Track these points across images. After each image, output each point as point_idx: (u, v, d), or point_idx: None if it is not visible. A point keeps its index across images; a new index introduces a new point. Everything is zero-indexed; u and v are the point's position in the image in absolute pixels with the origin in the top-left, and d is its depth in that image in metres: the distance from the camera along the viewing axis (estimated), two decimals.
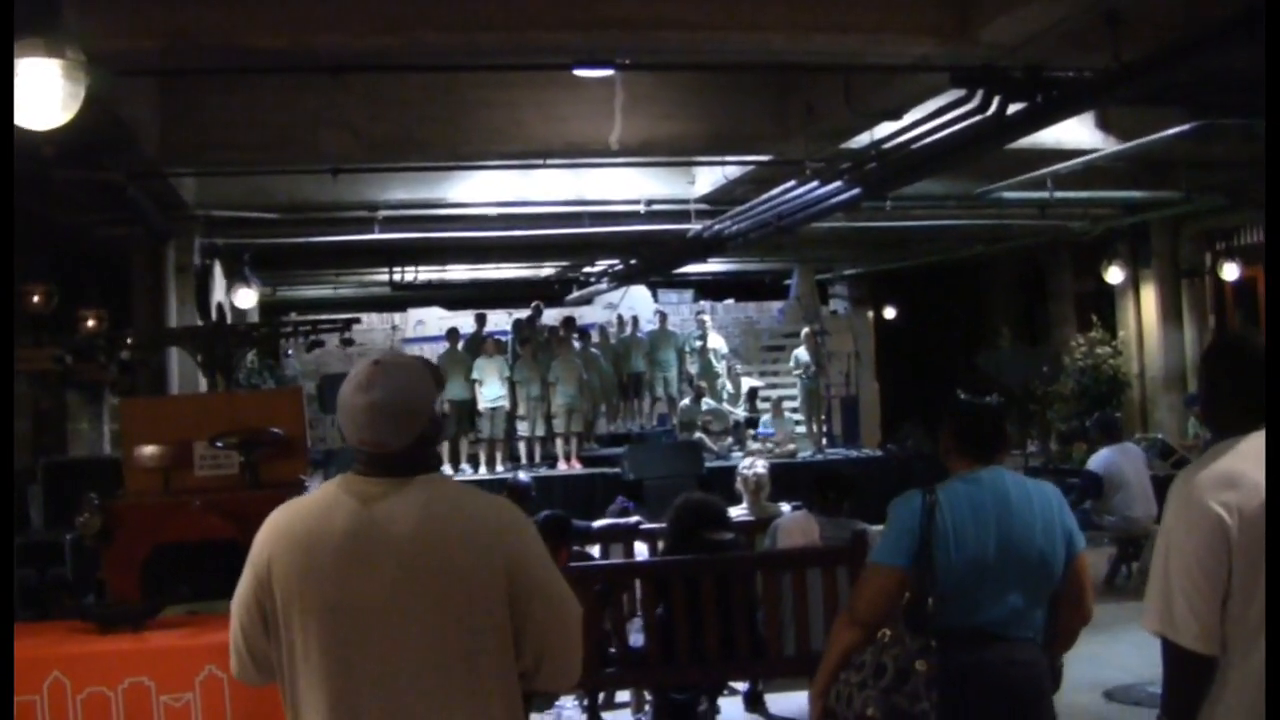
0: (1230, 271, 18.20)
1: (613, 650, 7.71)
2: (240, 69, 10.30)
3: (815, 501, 8.58)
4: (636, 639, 7.77)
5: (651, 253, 19.31)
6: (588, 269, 22.60)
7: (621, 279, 21.62)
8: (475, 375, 18.88)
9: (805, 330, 21.41)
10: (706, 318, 22.01)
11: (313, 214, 16.15)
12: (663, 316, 21.93)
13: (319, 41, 9.38)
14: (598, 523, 10.20)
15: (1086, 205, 17.57)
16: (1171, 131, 12.32)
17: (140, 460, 9.74)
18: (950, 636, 4.33)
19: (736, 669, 8.11)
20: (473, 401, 18.89)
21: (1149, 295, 19.58)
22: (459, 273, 22.76)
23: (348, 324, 13.91)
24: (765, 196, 14.64)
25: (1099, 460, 13.21)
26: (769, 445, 19.74)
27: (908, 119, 11.72)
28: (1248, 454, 3.46)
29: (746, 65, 11.30)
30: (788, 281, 25.20)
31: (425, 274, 22.33)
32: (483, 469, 19.11)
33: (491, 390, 18.84)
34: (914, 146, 11.77)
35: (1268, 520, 3.31)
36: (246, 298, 16.10)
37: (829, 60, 10.46)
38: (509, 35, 9.66)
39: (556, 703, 8.96)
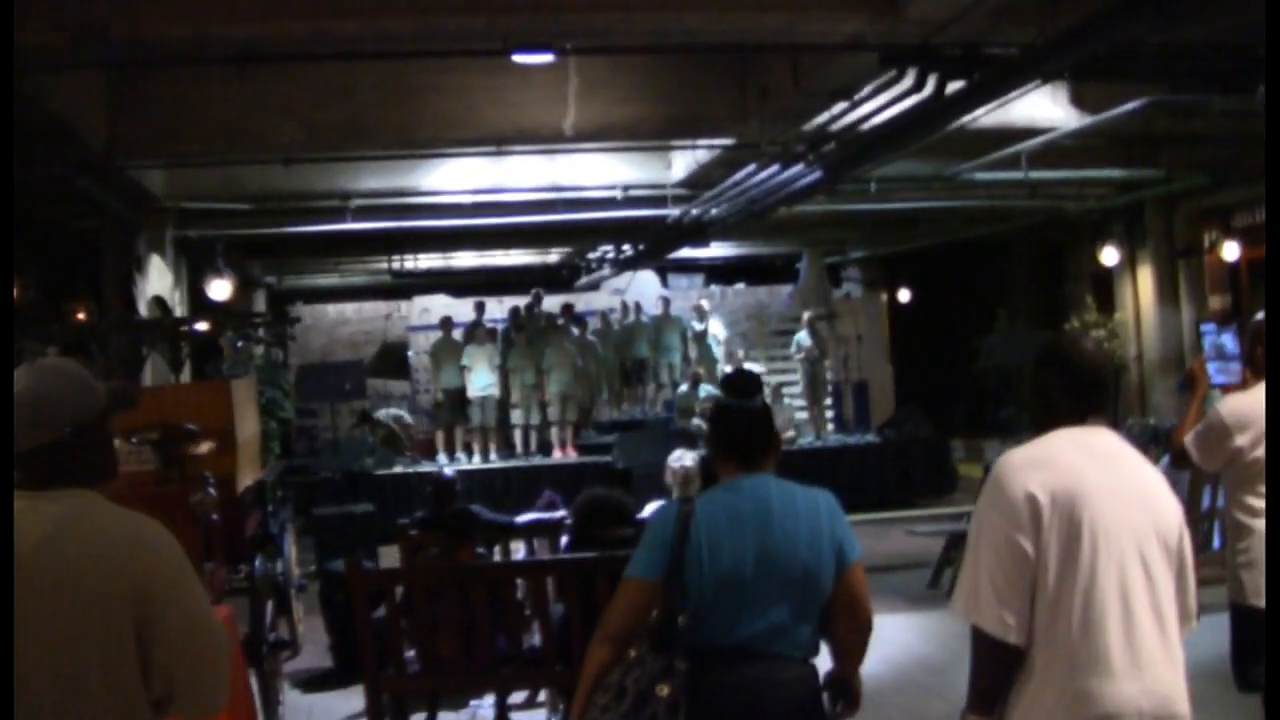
0: (1230, 251, 17.73)
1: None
2: (156, 61, 10.15)
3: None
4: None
5: (641, 238, 19.06)
6: (591, 255, 22.30)
7: (623, 265, 21.35)
8: (465, 363, 18.77)
9: (806, 314, 21.14)
10: (704, 303, 21.77)
11: (285, 204, 16.05)
12: (665, 302, 21.68)
13: (227, 31, 9.20)
14: (521, 517, 9.95)
15: (1079, 184, 17.15)
16: (1124, 109, 11.98)
17: None
18: (705, 655, 4.04)
19: None
20: (464, 390, 18.78)
21: (1145, 276, 19.14)
22: (465, 260, 22.60)
23: (289, 320, 13.77)
24: (732, 181, 14.42)
25: None
26: None
27: (865, 101, 11.37)
28: (1063, 442, 3.49)
29: (666, 48, 11.05)
30: (799, 265, 24.85)
31: (428, 261, 22.23)
32: (476, 458, 19.01)
33: (481, 379, 18.72)
34: (862, 128, 11.48)
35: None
36: (220, 289, 15.98)
37: (750, 40, 10.17)
38: (443, 19, 9.50)
39: (472, 702, 8.83)
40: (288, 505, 12.61)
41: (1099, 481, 3.37)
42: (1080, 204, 18.26)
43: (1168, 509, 3.49)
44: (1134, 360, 19.21)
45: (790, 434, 19.54)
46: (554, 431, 19.23)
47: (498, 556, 9.26)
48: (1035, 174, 14.60)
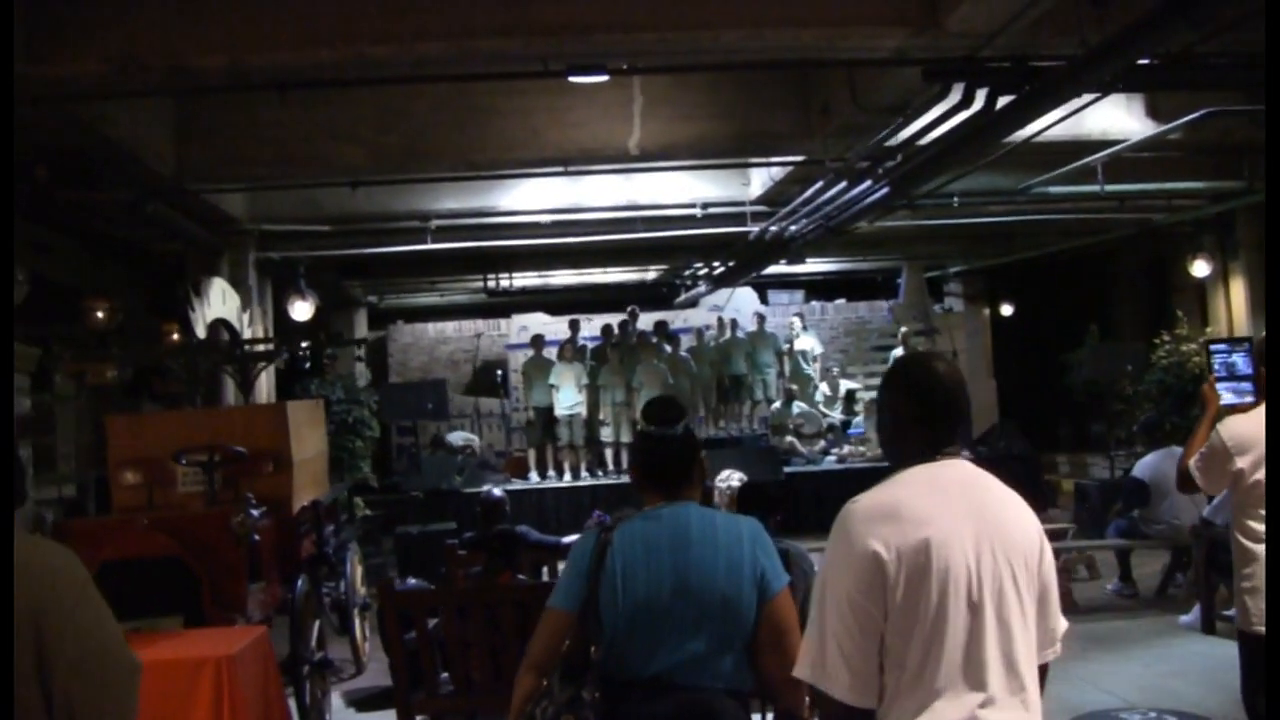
0: None
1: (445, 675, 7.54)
2: (202, 89, 10.34)
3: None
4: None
5: (726, 256, 18.99)
6: (687, 272, 22.27)
7: (718, 281, 21.29)
8: (552, 381, 18.90)
9: (903, 330, 20.96)
10: (796, 320, 21.68)
11: (363, 225, 16.26)
12: (760, 318, 21.65)
13: (262, 60, 9.35)
14: (569, 538, 9.94)
15: (1167, 196, 16.73)
16: (1187, 119, 11.76)
17: (122, 478, 9.99)
18: (621, 686, 4.00)
19: None
20: (553, 408, 18.89)
21: (1238, 288, 18.61)
22: (562, 278, 22.69)
23: (351, 342, 13.96)
24: (802, 198, 14.28)
25: (1143, 466, 12.64)
26: (860, 448, 19.33)
27: (930, 115, 11.20)
28: (913, 483, 3.28)
29: (703, 66, 10.99)
30: (898, 280, 24.60)
31: (526, 280, 22.37)
32: (567, 475, 19.10)
33: (568, 396, 18.83)
34: (919, 143, 11.33)
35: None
36: (303, 310, 16.25)
37: (790, 56, 10.09)
38: (485, 42, 9.51)
39: None
40: (352, 525, 12.76)
41: (949, 526, 3.17)
42: (1170, 216, 17.82)
43: (1026, 534, 3.29)
44: None
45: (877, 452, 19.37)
46: None
47: (546, 578, 9.24)
48: (1111, 187, 14.25)
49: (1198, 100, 11.99)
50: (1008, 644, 3.17)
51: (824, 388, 21.26)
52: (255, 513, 8.94)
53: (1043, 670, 3.34)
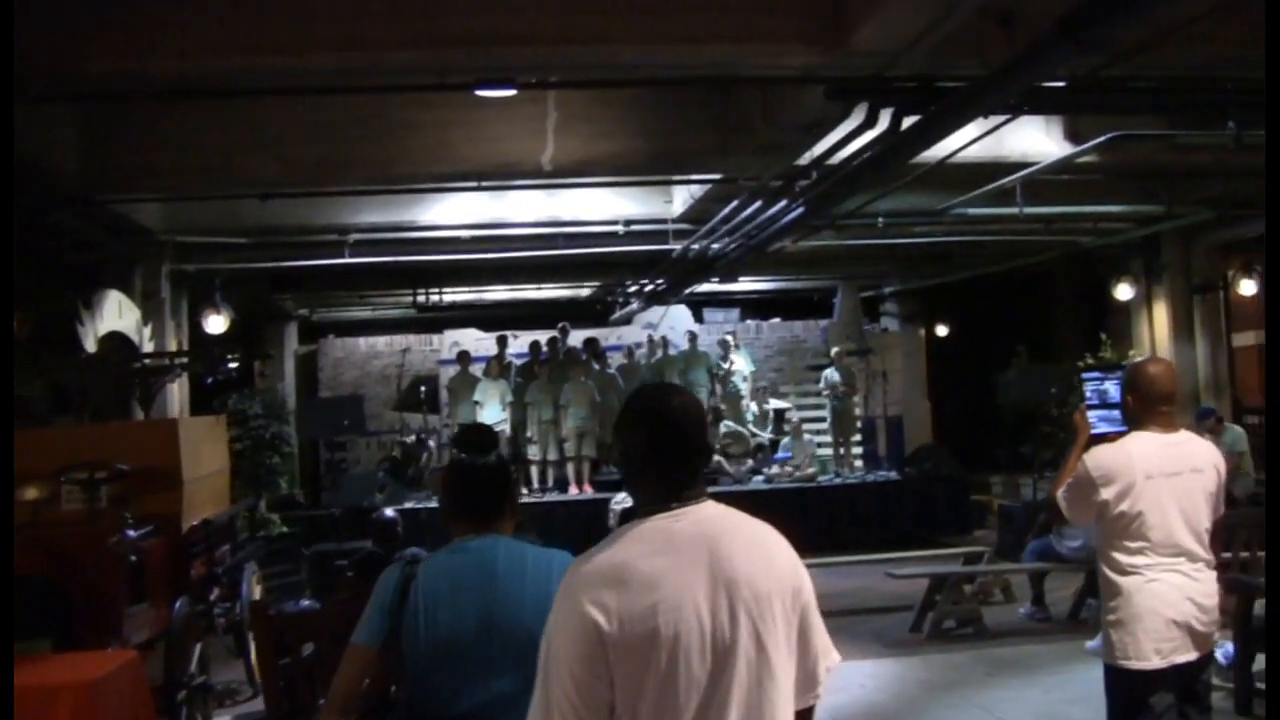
0: (1248, 287, 17.27)
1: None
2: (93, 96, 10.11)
3: None
4: None
5: (650, 273, 18.91)
6: (622, 289, 22.15)
7: (650, 299, 21.16)
8: (477, 398, 18.72)
9: (835, 350, 20.88)
10: (730, 338, 21.52)
11: (281, 237, 16.06)
12: (693, 337, 21.49)
13: (155, 66, 9.15)
14: None
15: (1093, 220, 16.76)
16: (1094, 143, 11.76)
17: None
18: None
19: None
20: None
21: (1160, 311, 18.68)
22: (497, 294, 22.53)
23: (254, 355, 13.77)
24: (720, 217, 14.18)
25: None
26: (788, 469, 19.23)
27: (836, 135, 11.11)
28: (644, 539, 3.02)
29: (612, 83, 10.82)
30: (835, 299, 24.56)
31: (460, 295, 22.20)
32: None
33: (492, 413, 18.65)
34: (829, 162, 11.25)
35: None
36: (217, 323, 16.02)
37: (692, 73, 9.97)
38: (410, 55, 9.38)
39: None
40: (253, 543, 12.53)
41: (681, 587, 2.93)
42: (1096, 239, 17.84)
43: (778, 578, 3.06)
44: None
45: (811, 470, 19.29)
46: (570, 468, 19.07)
47: None
48: (1030, 209, 14.24)
49: (1119, 124, 11.98)
50: (757, 701, 2.97)
51: (753, 407, 21.14)
52: (133, 532, 8.73)
53: (807, 715, 3.17)
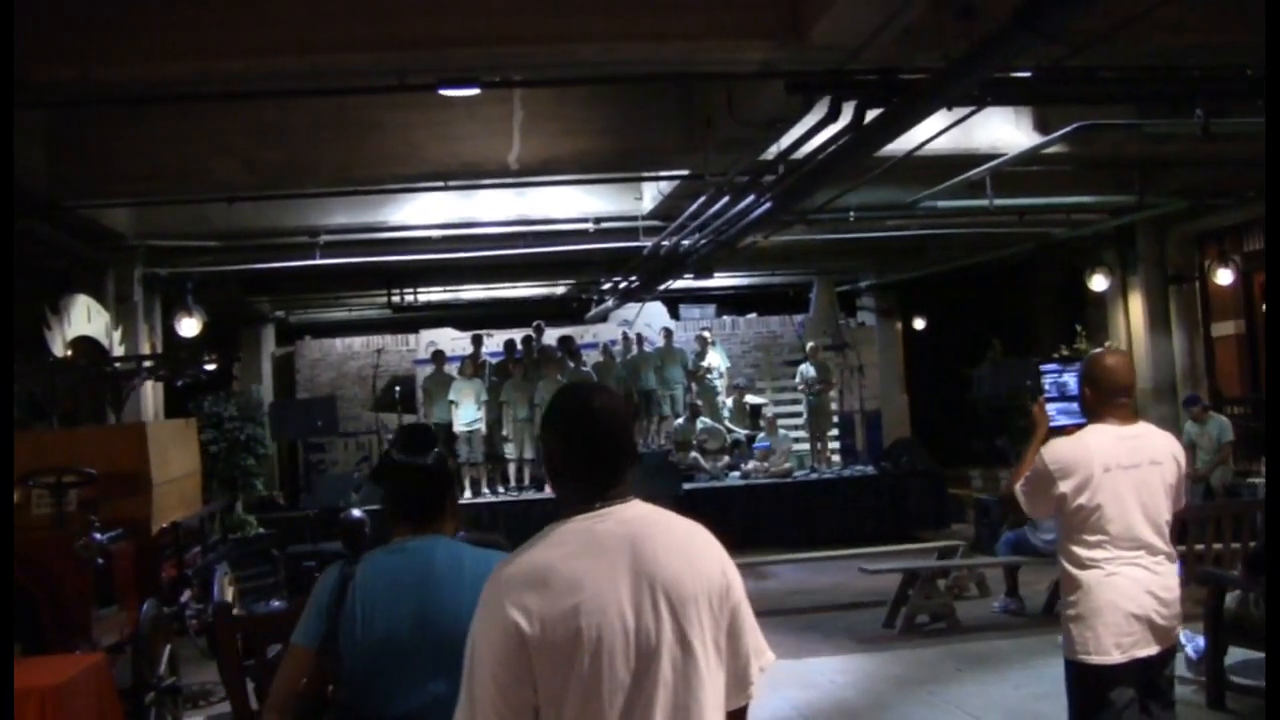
0: (1224, 276, 17.28)
1: None
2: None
3: None
4: None
5: (622, 271, 18.88)
6: (600, 287, 22.11)
7: (625, 296, 21.11)
8: (452, 397, 18.71)
9: (810, 345, 20.89)
10: (706, 334, 21.52)
11: (253, 240, 16.01)
12: (668, 333, 21.48)
13: (113, 73, 9.10)
14: None
15: (1065, 211, 16.75)
16: (1060, 133, 11.77)
17: None
18: None
19: None
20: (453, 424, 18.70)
21: (1136, 302, 18.69)
22: (472, 293, 22.48)
23: (219, 358, 13.75)
24: (688, 213, 14.16)
25: None
26: (764, 464, 19.22)
27: (800, 129, 11.09)
28: (567, 541, 2.98)
29: (579, 80, 10.76)
30: (811, 294, 24.56)
31: (436, 295, 22.15)
32: (467, 492, 18.87)
33: (467, 413, 18.67)
34: (793, 157, 11.22)
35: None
36: (190, 326, 16.00)
37: (651, 70, 9.93)
38: (370, 56, 9.33)
39: None
40: (224, 544, 12.50)
41: (604, 588, 2.90)
42: (1069, 230, 17.85)
43: (705, 577, 3.02)
44: None
45: (787, 466, 19.29)
46: None
47: None
48: (1000, 201, 14.24)
49: (1087, 114, 11.96)
50: (683, 701, 2.94)
51: (730, 403, 21.14)
52: (99, 536, 8.70)
53: (739, 715, 3.14)
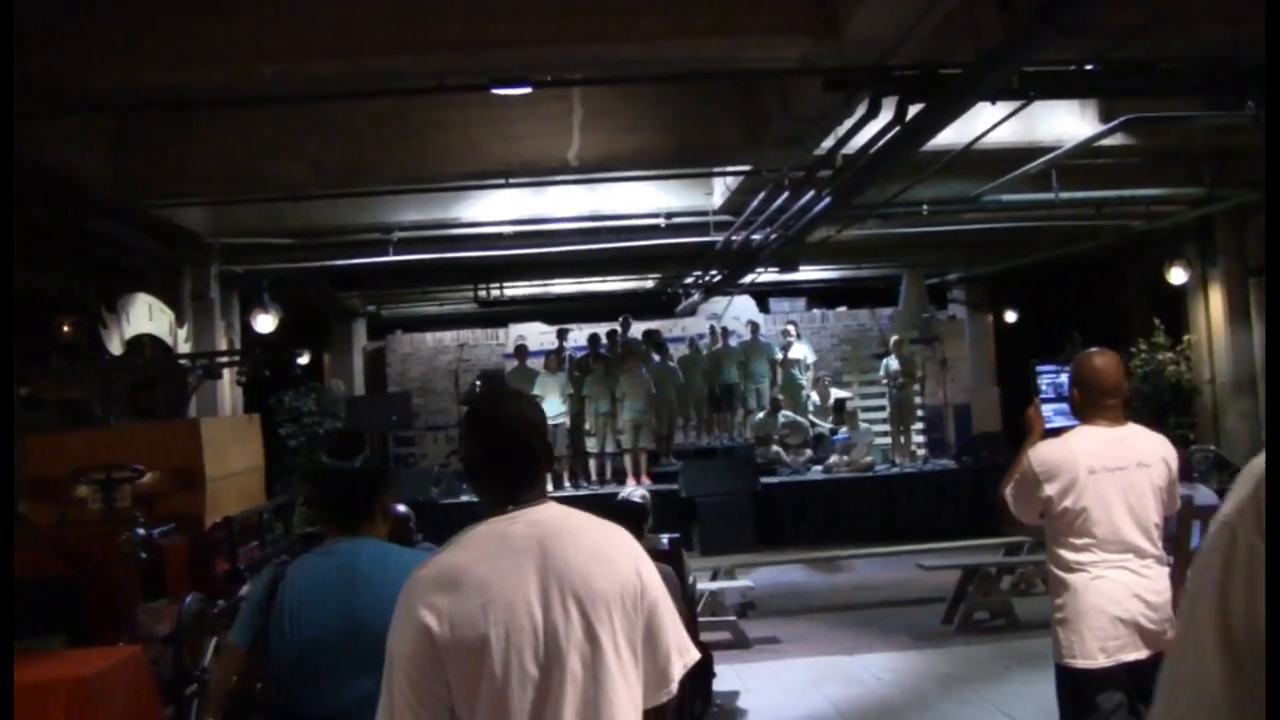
0: None
1: None
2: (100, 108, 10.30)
3: None
4: None
5: (698, 265, 18.88)
6: (686, 280, 22.11)
7: (710, 290, 21.10)
8: (537, 392, 18.79)
9: (894, 339, 20.73)
10: (790, 328, 21.45)
11: (328, 238, 16.25)
12: (754, 327, 21.48)
13: (159, 79, 9.31)
14: None
15: (1145, 203, 16.43)
16: (1112, 125, 11.53)
17: (38, 495, 10.05)
18: None
19: None
20: None
21: (1216, 296, 18.27)
22: (562, 287, 22.60)
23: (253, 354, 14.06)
24: (751, 209, 14.14)
25: None
26: (845, 458, 19.14)
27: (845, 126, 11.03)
28: (480, 544, 3.06)
29: (640, 79, 10.80)
30: (900, 287, 24.36)
31: (526, 290, 22.28)
32: (550, 486, 18.99)
33: (552, 407, 18.69)
34: (843, 153, 11.19)
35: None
36: (265, 323, 16.32)
37: (689, 69, 9.95)
38: (409, 58, 9.46)
39: None
40: (286, 539, 12.68)
41: (514, 589, 2.97)
42: (1148, 223, 17.53)
43: (618, 580, 3.07)
44: (1207, 384, 18.37)
45: (868, 460, 19.18)
46: (627, 460, 19.13)
47: None
48: (1067, 194, 14.06)
49: (1152, 106, 11.78)
50: (593, 698, 3.00)
51: (814, 397, 21.06)
52: (142, 531, 8.89)
53: (659, 712, 3.18)
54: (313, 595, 3.97)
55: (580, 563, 3.05)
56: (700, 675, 8.24)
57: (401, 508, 10.39)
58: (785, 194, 12.94)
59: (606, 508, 8.39)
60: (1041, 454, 5.54)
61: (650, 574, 3.17)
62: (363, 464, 4.17)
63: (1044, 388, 6.77)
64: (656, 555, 8.42)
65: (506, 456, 3.16)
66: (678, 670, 3.18)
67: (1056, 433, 5.88)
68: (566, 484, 19.19)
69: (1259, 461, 1.69)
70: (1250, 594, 1.56)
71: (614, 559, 3.12)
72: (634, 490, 9.67)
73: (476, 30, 9.22)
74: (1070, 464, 5.43)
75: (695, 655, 3.23)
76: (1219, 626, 1.60)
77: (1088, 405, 5.58)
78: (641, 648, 3.11)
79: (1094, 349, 5.77)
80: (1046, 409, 6.13)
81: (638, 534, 7.79)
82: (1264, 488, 1.63)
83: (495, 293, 21.47)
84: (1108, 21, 8.21)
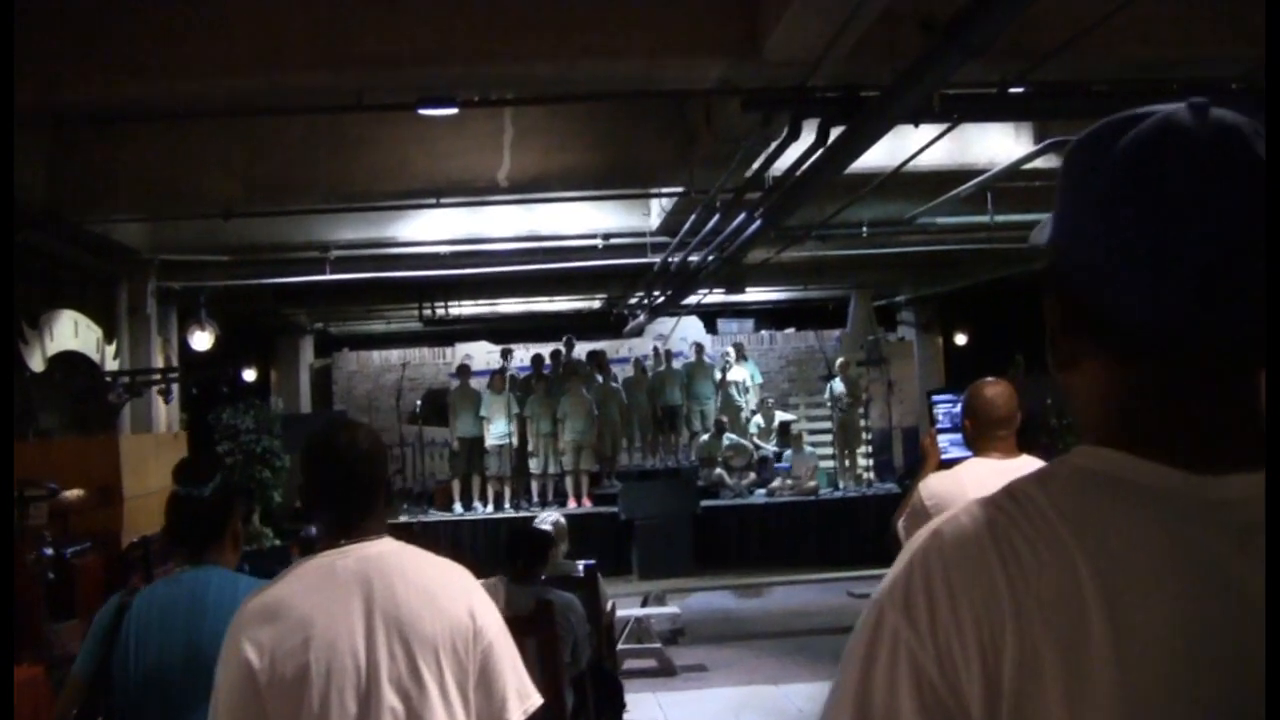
0: None
1: None
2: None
3: (504, 566, 7.69)
4: None
5: (650, 285, 18.80)
6: (628, 301, 22.04)
7: (654, 311, 21.01)
8: (483, 412, 18.72)
9: (840, 360, 20.68)
10: (732, 349, 21.40)
11: (265, 255, 16.13)
12: (699, 348, 21.39)
13: (72, 93, 9.20)
14: None
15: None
16: (1035, 149, 11.52)
17: None
18: None
19: None
20: (483, 438, 18.71)
21: None
22: (509, 306, 22.50)
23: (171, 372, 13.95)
24: (685, 230, 14.06)
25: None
26: (789, 481, 19.06)
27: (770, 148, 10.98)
28: (306, 577, 3.02)
29: (572, 97, 10.76)
30: (849, 308, 24.35)
31: (473, 309, 22.18)
32: (491, 506, 18.93)
33: (499, 427, 18.69)
34: (767, 174, 11.15)
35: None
36: (202, 340, 16.19)
37: (608, 88, 9.88)
38: (326, 75, 9.36)
39: None
40: None
41: (337, 623, 2.93)
42: None
43: (447, 619, 3.01)
44: None
45: (812, 484, 19.08)
46: (568, 481, 19.02)
47: None
48: (1001, 216, 14.06)
49: (1087, 128, 11.73)
50: None
51: (758, 419, 20.98)
52: (49, 550, 8.78)
53: None
54: (159, 624, 3.87)
55: (410, 602, 3.00)
56: (611, 706, 8.10)
57: (313, 529, 10.33)
58: (717, 215, 12.85)
59: (514, 533, 8.34)
60: (931, 486, 5.46)
61: (486, 616, 3.12)
62: (213, 491, 4.07)
63: (940, 418, 6.70)
64: (569, 582, 8.36)
65: (337, 487, 3.11)
66: (515, 715, 3.11)
67: (952, 464, 5.79)
68: (508, 505, 19.06)
69: (920, 536, 1.45)
70: (891, 690, 1.30)
71: (445, 600, 3.06)
72: (548, 516, 9.55)
73: (393, 47, 9.15)
74: (959, 496, 5.32)
75: (537, 700, 3.16)
76: None
77: (979, 436, 5.48)
78: (474, 691, 3.05)
79: (988, 379, 5.67)
80: (943, 440, 6.06)
81: (543, 561, 7.69)
82: (914, 565, 1.38)
83: (441, 311, 21.39)
84: (1026, 42, 8.21)
